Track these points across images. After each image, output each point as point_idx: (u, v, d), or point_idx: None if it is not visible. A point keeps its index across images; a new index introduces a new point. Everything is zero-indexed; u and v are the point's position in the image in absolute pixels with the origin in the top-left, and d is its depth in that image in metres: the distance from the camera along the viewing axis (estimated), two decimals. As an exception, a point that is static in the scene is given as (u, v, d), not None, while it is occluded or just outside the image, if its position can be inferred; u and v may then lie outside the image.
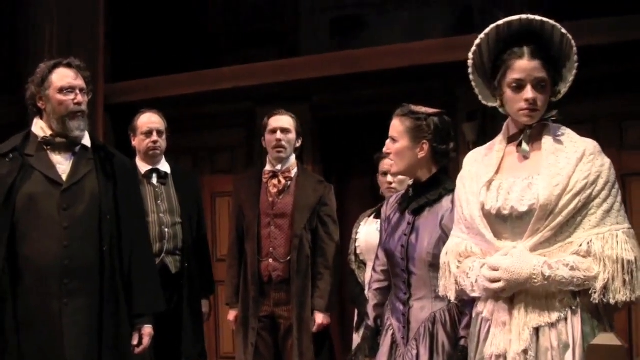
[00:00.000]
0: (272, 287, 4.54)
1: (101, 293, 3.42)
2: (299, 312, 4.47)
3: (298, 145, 4.68)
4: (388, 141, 3.18)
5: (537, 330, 2.58)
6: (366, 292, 4.24)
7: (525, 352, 2.56)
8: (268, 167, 4.67)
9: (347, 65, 6.31)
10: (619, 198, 2.65)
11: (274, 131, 4.59)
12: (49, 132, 3.50)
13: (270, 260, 4.53)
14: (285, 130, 4.58)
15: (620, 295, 2.51)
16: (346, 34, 7.51)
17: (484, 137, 6.25)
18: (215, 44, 7.70)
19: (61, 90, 3.49)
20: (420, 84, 6.33)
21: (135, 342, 3.55)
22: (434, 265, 3.01)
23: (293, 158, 4.68)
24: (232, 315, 4.71)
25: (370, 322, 3.41)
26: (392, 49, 6.25)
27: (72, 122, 3.49)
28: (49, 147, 3.50)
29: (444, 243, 2.96)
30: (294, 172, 4.65)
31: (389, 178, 4.27)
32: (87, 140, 3.58)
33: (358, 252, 4.50)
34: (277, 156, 4.61)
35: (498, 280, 2.60)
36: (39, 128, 3.53)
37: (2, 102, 6.54)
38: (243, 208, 4.67)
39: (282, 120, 4.61)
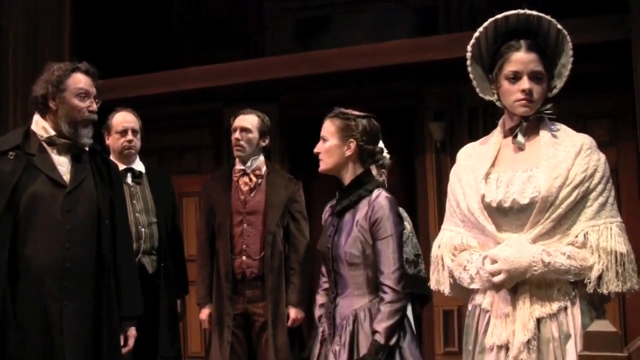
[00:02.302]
0: (246, 284, 4.55)
1: (99, 296, 3.42)
2: (274, 308, 4.49)
3: (264, 144, 4.68)
4: (319, 142, 3.35)
5: (538, 321, 2.63)
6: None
7: (528, 342, 2.61)
8: (238, 166, 4.68)
9: (315, 66, 6.36)
10: (613, 192, 2.74)
11: (234, 130, 4.63)
12: (52, 132, 3.48)
13: (244, 258, 4.55)
14: (244, 130, 4.60)
15: (613, 286, 2.60)
16: (311, 35, 7.55)
17: (450, 136, 6.36)
18: (180, 46, 7.69)
19: (78, 95, 3.47)
20: (387, 84, 6.42)
21: (121, 343, 3.57)
22: (353, 263, 3.19)
23: (262, 157, 4.70)
24: (204, 314, 4.69)
25: (316, 321, 3.54)
26: (360, 50, 6.31)
27: (83, 129, 3.49)
28: (50, 148, 3.48)
29: (360, 243, 3.15)
30: (264, 170, 4.67)
31: None
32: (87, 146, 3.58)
33: (332, 248, 4.54)
34: (237, 155, 4.64)
35: (499, 272, 2.65)
36: (41, 127, 3.49)
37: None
38: (214, 207, 4.67)
39: (244, 120, 4.63)
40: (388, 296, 3.10)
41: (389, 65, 6.13)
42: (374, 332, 3.08)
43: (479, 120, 6.20)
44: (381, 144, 3.51)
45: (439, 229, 6.11)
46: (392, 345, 3.08)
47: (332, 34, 7.49)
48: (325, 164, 3.34)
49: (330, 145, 3.31)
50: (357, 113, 3.35)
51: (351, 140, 3.28)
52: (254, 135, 4.61)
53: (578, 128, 2.90)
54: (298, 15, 7.63)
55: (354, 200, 3.25)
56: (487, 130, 5.77)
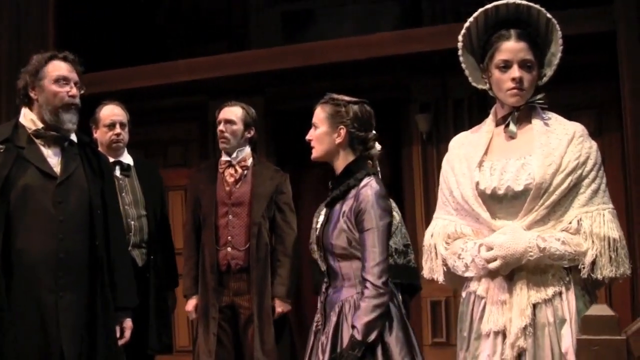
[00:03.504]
0: (231, 276, 4.56)
1: (93, 287, 3.42)
2: (259, 300, 4.49)
3: (249, 135, 4.67)
4: (311, 129, 3.28)
5: (534, 306, 2.66)
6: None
7: (525, 328, 2.64)
8: (224, 157, 4.70)
9: (301, 58, 6.35)
10: (604, 179, 2.78)
11: (219, 122, 4.65)
12: (40, 125, 3.47)
13: (229, 249, 4.56)
14: (228, 122, 4.61)
15: (607, 271, 2.64)
16: (296, 28, 7.53)
17: (436, 128, 6.38)
18: (165, 39, 7.65)
19: (56, 81, 3.47)
20: (373, 77, 6.43)
21: (117, 334, 3.58)
22: (340, 255, 3.13)
23: (248, 149, 4.70)
24: (190, 305, 4.69)
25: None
26: (346, 42, 6.32)
27: (65, 115, 3.47)
28: (39, 140, 3.46)
29: (345, 233, 3.08)
30: (249, 161, 4.68)
31: None
32: (73, 136, 3.56)
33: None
34: (221, 147, 4.66)
35: (494, 259, 2.68)
36: (29, 120, 3.49)
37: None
38: (200, 198, 4.68)
39: (228, 112, 4.64)
40: (367, 291, 3.00)
41: (375, 58, 6.13)
42: (352, 327, 3.01)
43: (465, 111, 6.24)
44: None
45: (426, 219, 6.22)
46: (372, 341, 2.98)
47: (316, 27, 7.47)
48: (316, 151, 3.26)
49: (321, 133, 3.22)
50: (348, 99, 3.26)
51: (341, 126, 3.19)
52: (238, 127, 4.61)
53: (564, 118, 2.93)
54: (283, 7, 7.62)
55: (343, 190, 3.17)
56: (472, 121, 5.85)
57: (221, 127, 4.61)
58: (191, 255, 4.71)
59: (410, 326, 3.18)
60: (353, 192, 3.14)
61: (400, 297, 3.33)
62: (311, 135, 3.27)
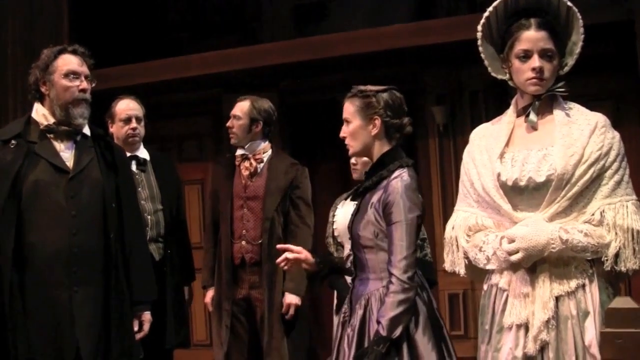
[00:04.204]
0: (246, 270, 4.57)
1: (107, 281, 3.40)
2: (269, 294, 4.50)
3: (257, 129, 4.65)
4: (343, 126, 3.18)
5: (556, 299, 2.64)
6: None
7: (548, 321, 2.61)
8: (239, 151, 4.71)
9: (315, 51, 6.35)
10: (628, 170, 2.74)
11: (228, 118, 4.70)
12: (51, 120, 3.44)
13: (243, 243, 4.57)
14: (234, 117, 4.66)
15: (630, 263, 2.62)
16: (308, 22, 7.51)
17: (453, 119, 6.35)
18: (177, 33, 7.65)
19: (67, 75, 3.43)
20: (388, 69, 6.40)
21: (135, 328, 3.56)
22: (367, 246, 3.07)
23: (263, 142, 4.70)
24: (208, 296, 4.74)
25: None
26: (360, 34, 6.31)
27: (76, 109, 3.44)
28: (51, 135, 3.44)
29: (372, 225, 3.01)
30: (266, 155, 4.68)
31: (353, 159, 4.31)
32: (86, 129, 3.53)
33: (336, 234, 4.52)
34: (231, 142, 4.71)
35: (516, 252, 2.65)
36: (41, 115, 3.46)
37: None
38: (218, 191, 4.72)
39: (235, 107, 4.69)
40: (393, 286, 2.93)
41: (390, 50, 6.12)
42: (377, 322, 2.94)
43: (481, 103, 6.22)
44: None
45: (443, 212, 6.20)
46: (397, 337, 2.91)
47: (329, 20, 7.45)
48: (352, 148, 3.16)
49: (355, 127, 3.11)
50: (375, 88, 3.14)
51: (375, 117, 3.08)
52: (244, 121, 4.63)
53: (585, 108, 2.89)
54: (296, 1, 7.59)
55: (375, 181, 3.09)
56: (489, 112, 5.85)
57: (229, 122, 4.69)
58: (209, 248, 4.76)
59: (442, 321, 3.11)
60: (384, 183, 3.06)
61: (429, 291, 3.24)
62: (345, 131, 3.16)
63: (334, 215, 4.57)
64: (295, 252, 3.30)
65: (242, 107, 4.65)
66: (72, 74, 3.44)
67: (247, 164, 4.65)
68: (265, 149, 4.69)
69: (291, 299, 4.52)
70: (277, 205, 4.57)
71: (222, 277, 4.58)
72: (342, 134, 3.18)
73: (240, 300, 4.58)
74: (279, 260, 3.32)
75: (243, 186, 4.63)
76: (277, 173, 4.63)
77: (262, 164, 4.65)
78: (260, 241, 4.54)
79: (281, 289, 4.52)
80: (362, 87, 3.16)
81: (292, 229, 4.60)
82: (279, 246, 3.51)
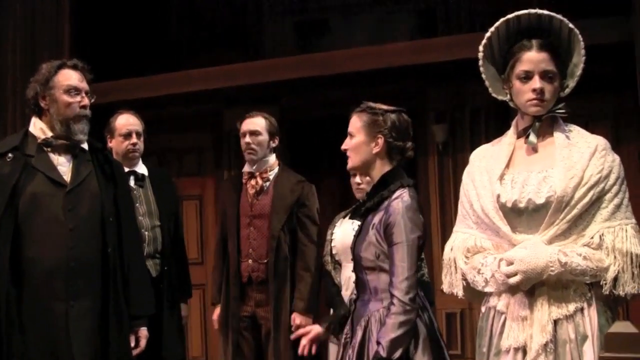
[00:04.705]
0: (253, 287, 4.56)
1: (105, 295, 3.38)
2: (276, 313, 4.48)
3: (274, 145, 4.67)
4: (347, 139, 3.18)
5: (555, 323, 2.62)
6: (343, 292, 4.27)
7: (546, 344, 2.60)
8: (246, 169, 4.69)
9: (316, 68, 6.35)
10: (627, 194, 2.73)
11: (243, 135, 4.62)
12: (49, 133, 3.44)
13: (250, 261, 4.56)
14: (254, 133, 4.60)
15: (629, 287, 2.61)
16: (310, 38, 7.53)
17: (453, 138, 6.35)
18: (178, 48, 7.66)
19: (68, 91, 3.43)
20: (388, 86, 6.38)
21: (132, 343, 3.55)
22: (368, 267, 3.06)
23: (272, 158, 4.69)
24: (215, 314, 4.73)
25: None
26: (362, 51, 6.31)
27: (77, 125, 3.44)
28: (49, 149, 3.43)
29: (374, 246, 3.01)
30: (272, 172, 4.66)
31: (357, 179, 4.29)
32: (84, 143, 3.53)
33: (334, 252, 4.50)
34: (249, 158, 4.64)
35: (515, 274, 2.64)
36: (38, 129, 3.46)
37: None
38: (226, 208, 4.71)
39: (252, 123, 4.62)
40: (394, 307, 2.91)
41: (391, 67, 6.12)
42: (377, 343, 2.92)
43: (482, 121, 6.21)
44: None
45: (441, 231, 6.17)
46: (397, 359, 2.88)
47: (330, 37, 7.47)
48: (352, 161, 3.16)
49: (358, 142, 3.11)
50: (385, 107, 3.14)
51: (379, 136, 3.09)
52: (264, 137, 4.61)
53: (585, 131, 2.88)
54: (296, 17, 7.61)
55: (377, 202, 3.09)
56: (489, 131, 5.84)
57: (247, 139, 4.59)
58: (217, 265, 4.77)
59: (443, 342, 3.09)
60: (385, 203, 3.06)
61: (430, 312, 3.22)
62: (347, 144, 3.17)
63: (332, 234, 4.54)
64: (307, 334, 3.33)
65: (259, 123, 4.62)
66: (73, 90, 3.44)
67: (253, 182, 4.63)
68: (272, 166, 4.68)
69: (300, 319, 4.47)
70: (283, 223, 4.55)
71: (230, 294, 4.57)
72: (344, 147, 3.18)
73: (246, 317, 4.57)
74: (299, 352, 3.33)
75: (249, 204, 4.61)
76: (284, 191, 4.60)
77: (268, 182, 4.64)
78: (266, 260, 4.52)
79: (289, 308, 4.50)
80: (371, 104, 3.16)
81: (300, 247, 4.57)
82: (292, 337, 3.61)
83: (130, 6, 7.11)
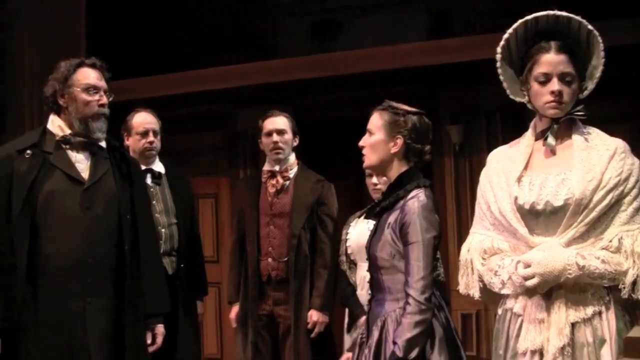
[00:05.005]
0: (272, 286, 4.59)
1: (121, 292, 3.39)
2: (297, 311, 4.51)
3: (295, 144, 4.71)
4: (365, 135, 3.17)
5: (572, 326, 2.62)
6: (358, 292, 4.28)
7: (563, 348, 2.59)
8: (267, 167, 4.71)
9: (329, 68, 6.36)
10: None
11: (269, 134, 4.63)
12: (67, 131, 3.45)
13: (269, 260, 4.59)
14: (280, 132, 4.63)
15: None
16: (323, 38, 7.53)
17: (468, 139, 6.34)
18: (194, 47, 7.67)
19: (87, 89, 3.45)
20: (402, 87, 6.38)
21: (148, 341, 3.57)
22: (383, 267, 3.06)
23: (292, 157, 4.72)
24: (233, 312, 4.75)
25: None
26: (374, 52, 6.31)
27: (95, 124, 3.45)
28: (67, 146, 3.45)
29: (390, 245, 3.01)
30: (292, 171, 4.69)
31: (374, 179, 4.30)
32: (102, 141, 3.55)
33: (349, 252, 4.52)
34: (276, 157, 4.65)
35: (532, 277, 2.64)
36: (57, 126, 3.47)
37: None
38: (244, 208, 4.72)
39: (277, 122, 4.65)
40: (409, 307, 2.91)
41: (405, 68, 6.12)
42: (393, 342, 2.92)
43: (497, 122, 6.20)
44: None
45: (458, 232, 6.17)
46: (414, 359, 2.88)
47: (343, 37, 7.46)
48: (369, 159, 3.16)
49: (376, 140, 3.11)
50: (407, 108, 3.14)
51: (398, 136, 3.08)
52: (289, 135, 4.66)
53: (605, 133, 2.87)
54: (310, 17, 7.61)
55: (392, 201, 3.09)
56: (505, 132, 5.83)
57: (275, 137, 4.61)
58: (235, 264, 4.79)
59: (459, 342, 3.09)
60: (400, 203, 3.06)
61: (447, 311, 3.21)
62: (365, 141, 3.16)
63: (347, 234, 4.56)
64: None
65: (284, 121, 4.66)
66: (92, 89, 3.46)
67: (273, 181, 4.66)
68: (292, 165, 4.71)
69: (317, 316, 4.51)
70: (304, 222, 4.57)
71: (249, 293, 4.60)
72: (361, 143, 3.18)
73: (263, 316, 4.60)
74: None
75: (269, 203, 4.64)
76: (304, 190, 4.63)
77: (288, 181, 4.66)
78: (286, 258, 4.55)
79: (307, 306, 4.53)
80: (394, 104, 3.16)
81: (320, 245, 4.60)
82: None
83: (147, 4, 7.14)
